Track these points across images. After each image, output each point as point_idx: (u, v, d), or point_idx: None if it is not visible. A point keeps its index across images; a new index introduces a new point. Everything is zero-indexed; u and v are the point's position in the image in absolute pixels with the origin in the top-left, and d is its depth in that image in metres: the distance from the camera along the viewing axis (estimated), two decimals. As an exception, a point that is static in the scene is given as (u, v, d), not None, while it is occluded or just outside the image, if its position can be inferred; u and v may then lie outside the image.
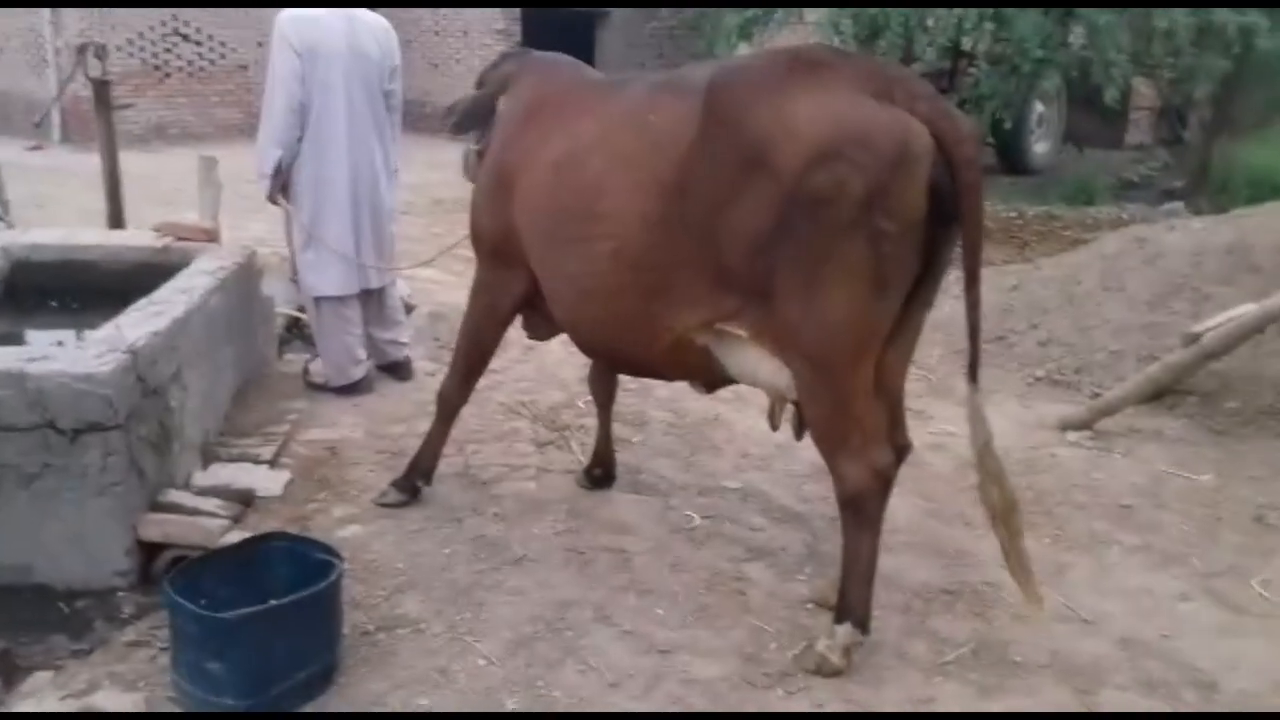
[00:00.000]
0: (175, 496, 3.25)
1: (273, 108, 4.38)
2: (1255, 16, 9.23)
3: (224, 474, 3.62)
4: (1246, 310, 4.45)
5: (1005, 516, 2.70)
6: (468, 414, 3.87)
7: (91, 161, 5.93)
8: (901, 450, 2.89)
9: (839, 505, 2.74)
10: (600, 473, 3.85)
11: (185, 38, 14.60)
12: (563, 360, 5.16)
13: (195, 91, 14.82)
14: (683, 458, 4.19)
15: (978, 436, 2.70)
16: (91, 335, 3.26)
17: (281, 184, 4.47)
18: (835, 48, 2.96)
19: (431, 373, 4.97)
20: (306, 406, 4.49)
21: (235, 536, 3.08)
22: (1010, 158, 13.89)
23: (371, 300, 4.76)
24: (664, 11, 13.91)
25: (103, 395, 2.91)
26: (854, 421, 2.64)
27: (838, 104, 2.50)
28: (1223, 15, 9.18)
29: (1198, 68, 9.94)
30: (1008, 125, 11.77)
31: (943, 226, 2.54)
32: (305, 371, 4.78)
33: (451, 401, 3.66)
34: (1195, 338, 4.51)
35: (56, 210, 8.26)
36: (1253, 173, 11.43)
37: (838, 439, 2.67)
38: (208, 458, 3.73)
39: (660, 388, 4.65)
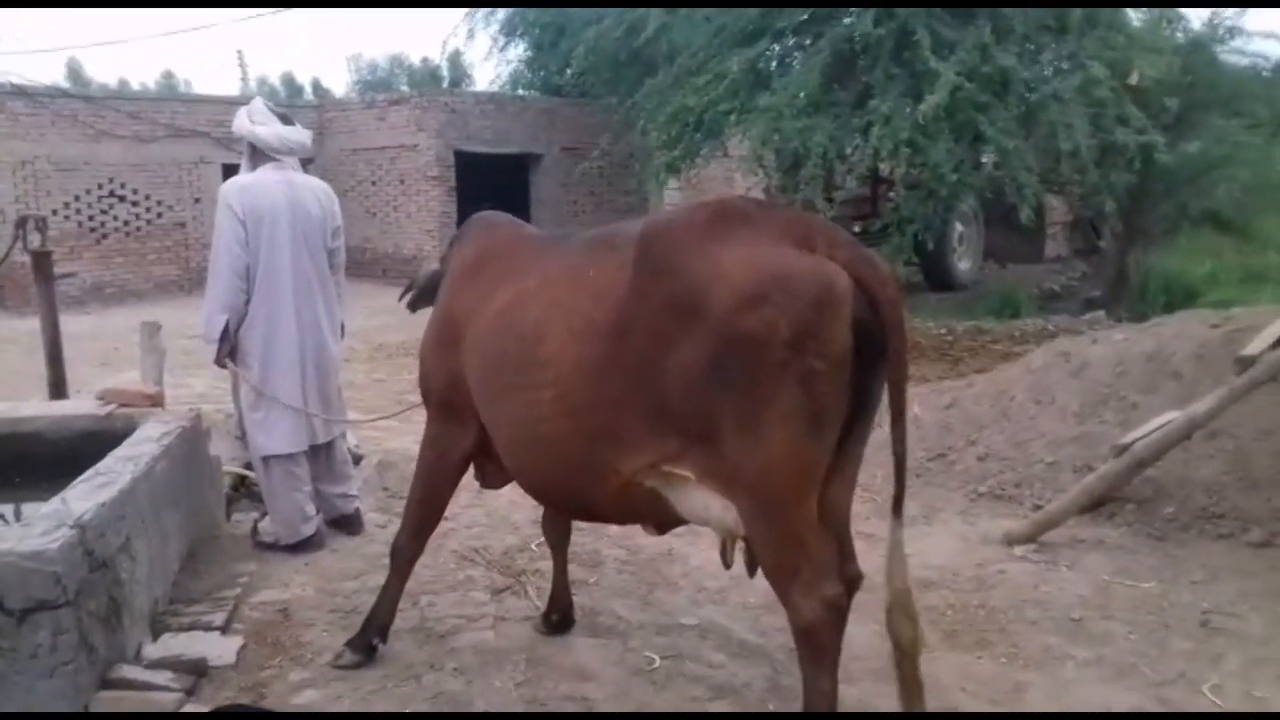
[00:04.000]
0: (126, 671, 3.18)
1: (218, 273, 4.46)
2: (1153, 135, 9.80)
3: (175, 644, 3.55)
4: (1172, 417, 4.64)
5: (913, 652, 2.76)
6: (421, 564, 3.85)
7: (28, 326, 5.94)
8: (853, 581, 2.94)
9: (795, 639, 2.77)
10: (558, 618, 3.83)
11: (121, 199, 14.75)
12: (514, 503, 5.17)
13: (132, 250, 14.91)
14: (639, 596, 4.20)
15: (897, 574, 2.75)
16: (38, 510, 3.23)
17: (230, 347, 4.52)
18: (757, 200, 3.11)
19: (382, 524, 4.96)
20: (257, 568, 4.43)
21: (190, 710, 3.01)
22: (935, 275, 14.40)
23: (320, 455, 4.77)
24: (594, 152, 14.38)
25: (50, 573, 2.87)
26: (803, 556, 2.69)
27: (762, 252, 2.64)
28: (1123, 135, 9.74)
29: (1103, 184, 10.48)
30: (930, 245, 12.25)
31: (870, 366, 2.65)
32: (254, 531, 4.74)
33: (405, 555, 3.66)
34: (1125, 448, 4.67)
35: (-7, 377, 8.17)
36: (1166, 280, 11.97)
37: (788, 574, 2.71)
38: (158, 628, 3.66)
39: (612, 526, 4.68)
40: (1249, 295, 10.36)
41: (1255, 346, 4.59)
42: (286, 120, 4.69)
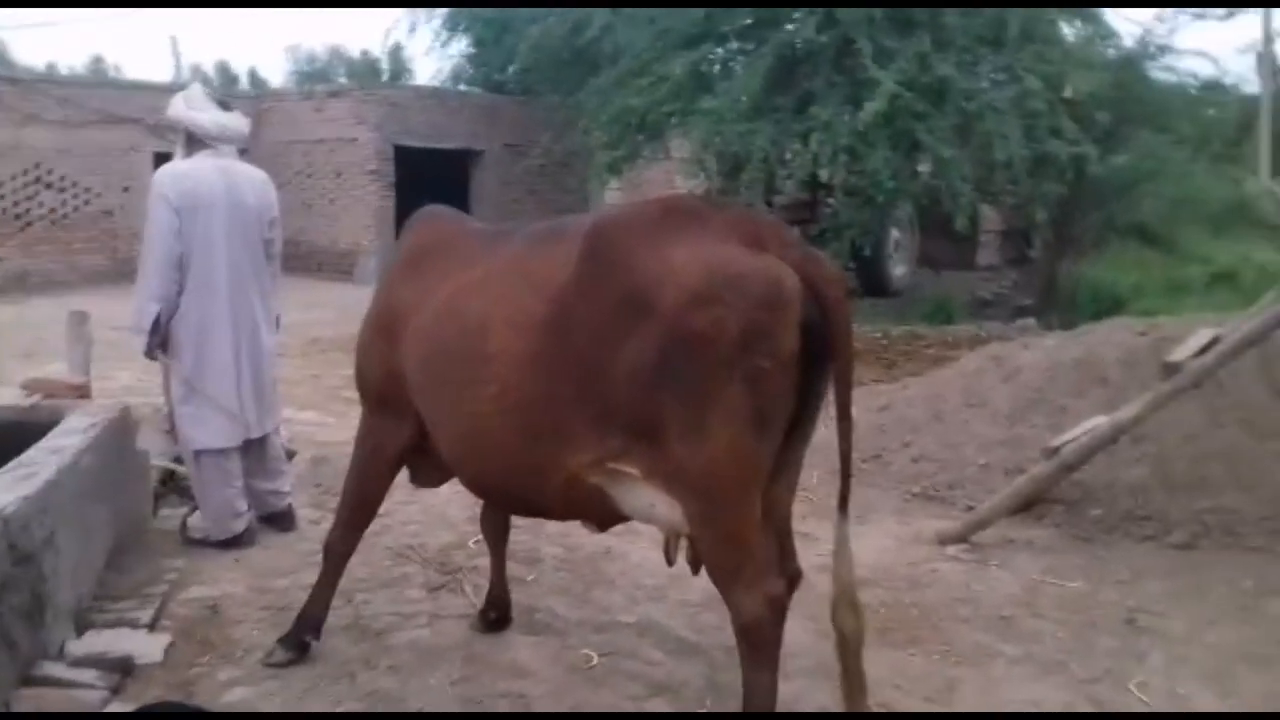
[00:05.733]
0: (49, 669, 3.10)
1: (150, 263, 4.35)
2: (1085, 147, 10.04)
3: (100, 641, 3.45)
4: (1099, 422, 4.75)
5: (856, 645, 2.79)
6: (355, 562, 3.80)
7: (-51, 316, 5.73)
8: (793, 578, 2.96)
9: (736, 636, 2.78)
10: (495, 616, 3.80)
11: (48, 185, 14.36)
12: (449, 499, 5.12)
13: (58, 239, 14.51)
14: (577, 594, 4.18)
15: (842, 568, 2.79)
16: (-43, 503, 3.13)
17: (161, 339, 4.41)
18: (708, 197, 3.13)
19: (315, 520, 4.88)
20: (185, 564, 4.33)
21: (116, 708, 2.94)
22: (870, 281, 14.59)
23: (252, 450, 4.67)
24: (536, 150, 14.33)
25: (-29, 566, 2.78)
26: (746, 554, 2.70)
27: (713, 251, 2.64)
28: (1055, 146, 9.96)
29: (1036, 194, 10.72)
30: (866, 251, 12.41)
31: (815, 365, 2.68)
32: (183, 526, 4.63)
33: (338, 551, 3.61)
34: (1055, 451, 4.77)
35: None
36: (1095, 289, 12.26)
37: (731, 571, 2.73)
38: (82, 624, 3.56)
39: (550, 523, 4.66)
40: (1173, 305, 10.64)
41: (1180, 354, 4.72)
42: (225, 107, 4.61)
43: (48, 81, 15.31)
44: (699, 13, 10.80)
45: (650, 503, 2.82)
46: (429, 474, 3.61)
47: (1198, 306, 10.37)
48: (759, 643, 2.74)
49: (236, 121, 4.58)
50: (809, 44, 10.08)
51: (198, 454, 4.50)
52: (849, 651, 2.80)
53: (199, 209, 4.35)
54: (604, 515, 3.08)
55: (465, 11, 17.79)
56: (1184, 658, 3.62)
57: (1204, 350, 4.65)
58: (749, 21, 10.97)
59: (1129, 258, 13.82)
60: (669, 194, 3.17)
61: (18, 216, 14.13)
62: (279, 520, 4.81)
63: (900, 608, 4.06)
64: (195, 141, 4.50)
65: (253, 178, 4.61)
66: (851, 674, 2.81)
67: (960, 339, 10.32)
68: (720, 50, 11.66)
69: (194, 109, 4.48)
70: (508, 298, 2.95)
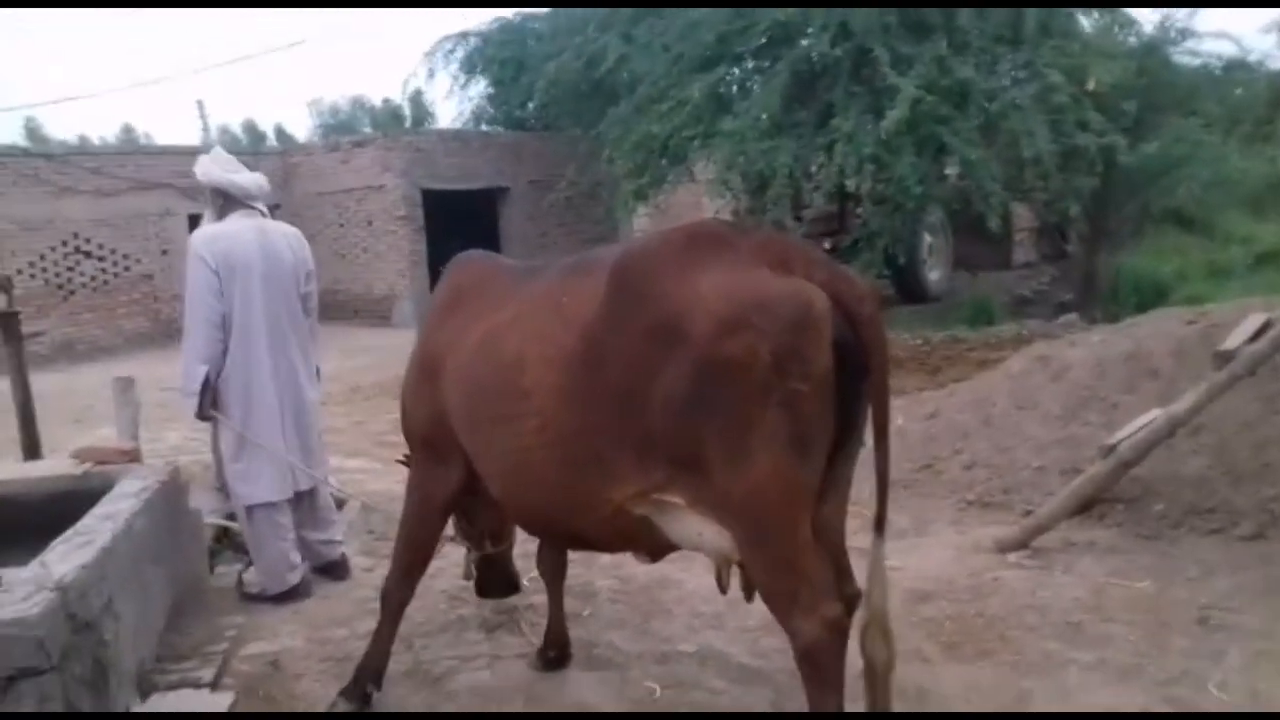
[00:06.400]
0: (115, 736, 3.10)
1: (194, 325, 4.41)
2: (1113, 137, 9.92)
3: (164, 703, 3.46)
4: (1154, 416, 4.65)
5: (885, 674, 2.73)
6: (411, 607, 3.78)
7: (-1, 388, 5.82)
8: (851, 599, 2.90)
9: (796, 661, 2.73)
10: (555, 653, 3.77)
11: (87, 254, 14.63)
12: (502, 539, 5.11)
13: (100, 306, 14.77)
14: (635, 625, 4.14)
15: (876, 592, 2.73)
16: (16, 575, 3.15)
17: (212, 398, 4.46)
18: (731, 222, 3.10)
19: (369, 568, 4.88)
20: (244, 620, 4.35)
21: (183, 772, 2.94)
22: (907, 287, 14.48)
23: (303, 502, 4.70)
24: (561, 183, 14.41)
25: (33, 638, 2.79)
26: (800, 578, 2.66)
27: (739, 276, 2.62)
28: (1084, 139, 9.86)
29: (1067, 188, 10.60)
30: (901, 259, 12.33)
31: (852, 384, 2.63)
32: (239, 583, 4.65)
33: (395, 599, 3.61)
34: (1111, 448, 4.68)
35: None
36: (1136, 279, 12.09)
37: (786, 597, 2.68)
38: (146, 688, 3.57)
39: (603, 555, 4.63)
40: (1216, 290, 10.48)
41: (1232, 341, 4.62)
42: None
43: (80, 154, 15.63)
44: (712, 36, 10.83)
45: (698, 531, 2.79)
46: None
47: (1243, 289, 10.19)
48: (820, 666, 2.68)
49: (263, 180, 4.68)
50: (825, 57, 10.06)
51: (250, 509, 4.53)
52: (877, 680, 2.74)
53: (236, 268, 4.41)
54: (654, 545, 3.05)
55: (481, 53, 17.99)
56: (1263, 653, 3.51)
57: (1257, 335, 4.55)
58: (763, 41, 10.97)
59: (1168, 245, 13.65)
60: (694, 221, 3.15)
61: (60, 287, 14.41)
62: (333, 570, 4.82)
63: (965, 619, 3.98)
64: (229, 203, 4.57)
65: (286, 234, 4.67)
66: (879, 704, 2.75)
67: (1004, 340, 10.20)
68: (736, 71, 11.70)
69: (228, 171, 4.55)
70: (541, 333, 2.95)
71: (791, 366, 2.52)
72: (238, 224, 4.52)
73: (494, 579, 4.10)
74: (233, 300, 4.41)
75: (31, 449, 5.09)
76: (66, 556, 3.24)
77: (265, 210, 4.68)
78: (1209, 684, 3.32)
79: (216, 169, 4.56)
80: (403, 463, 4.10)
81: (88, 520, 3.66)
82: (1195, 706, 3.22)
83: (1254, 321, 4.67)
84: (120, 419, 4.79)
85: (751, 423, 2.55)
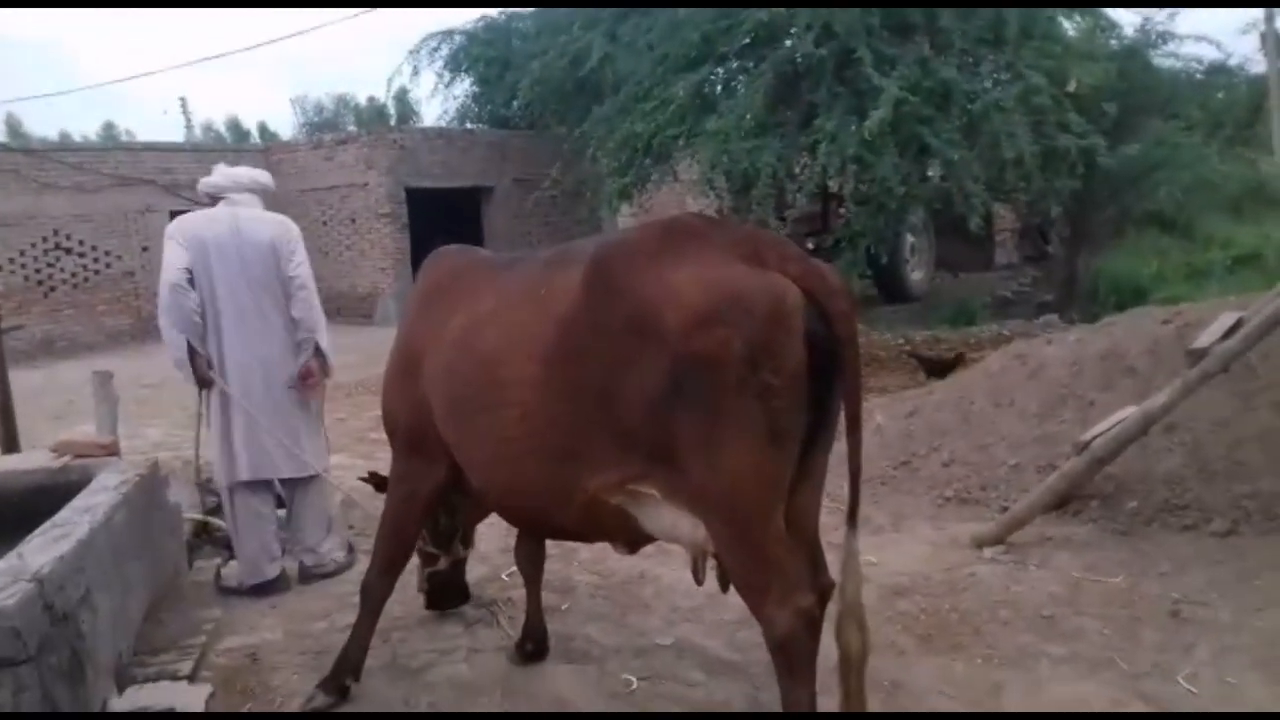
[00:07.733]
0: (91, 728, 3.10)
1: (161, 291, 4.46)
2: (1094, 139, 9.99)
3: (141, 696, 3.46)
4: (1129, 413, 4.70)
5: (859, 664, 2.75)
6: (390, 600, 3.80)
7: (-23, 384, 5.79)
8: (825, 591, 2.93)
9: (770, 652, 2.76)
10: (532, 647, 3.79)
11: (67, 251, 14.56)
12: (482, 534, 5.07)
13: (81, 303, 14.72)
14: (613, 619, 4.16)
15: (850, 584, 2.75)
16: (-8, 566, 3.15)
17: (205, 361, 4.46)
18: (708, 216, 3.12)
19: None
20: (222, 614, 4.35)
21: (159, 762, 2.94)
22: (889, 287, 14.53)
23: (294, 499, 4.71)
24: (545, 182, 14.41)
25: (9, 629, 2.78)
26: (773, 569, 2.68)
27: (713, 270, 2.64)
28: (1065, 141, 9.92)
29: (1048, 190, 10.67)
30: (884, 259, 12.37)
31: (827, 377, 2.66)
32: (218, 576, 4.65)
33: (377, 593, 3.62)
34: (1086, 445, 4.72)
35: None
36: (1116, 280, 12.17)
37: (760, 588, 2.70)
38: (123, 680, 3.57)
39: (582, 550, 4.65)
40: (1196, 291, 10.55)
41: (1205, 339, 4.66)
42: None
43: (61, 149, 15.55)
44: (697, 36, 10.84)
45: (673, 523, 2.82)
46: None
47: (1221, 291, 10.27)
48: (793, 657, 2.71)
49: (245, 171, 4.72)
50: (808, 58, 10.08)
51: (231, 490, 4.54)
52: (852, 671, 2.76)
53: (207, 246, 4.47)
54: (630, 536, 3.08)
55: (467, 51, 17.95)
56: (1232, 647, 3.56)
57: (1229, 334, 4.60)
58: (747, 41, 10.99)
59: (1148, 247, 13.73)
60: (670, 215, 3.17)
61: (40, 283, 14.34)
62: (312, 576, 4.79)
63: (940, 614, 4.01)
64: (216, 200, 4.64)
65: (264, 217, 4.69)
66: (853, 695, 2.77)
67: (983, 340, 10.26)
68: (720, 71, 11.69)
69: (208, 177, 4.66)
70: (519, 324, 2.98)
71: (764, 360, 2.55)
72: (214, 211, 4.61)
73: (447, 590, 4.16)
74: (204, 278, 4.45)
75: (9, 442, 5.08)
76: (44, 549, 3.24)
77: (254, 200, 4.70)
78: (1178, 676, 3.37)
79: (213, 178, 4.67)
80: (365, 480, 4.17)
81: (66, 513, 3.65)
82: (1164, 699, 3.25)
83: (1227, 319, 4.71)
84: (99, 413, 4.79)
85: (724, 415, 2.58)
